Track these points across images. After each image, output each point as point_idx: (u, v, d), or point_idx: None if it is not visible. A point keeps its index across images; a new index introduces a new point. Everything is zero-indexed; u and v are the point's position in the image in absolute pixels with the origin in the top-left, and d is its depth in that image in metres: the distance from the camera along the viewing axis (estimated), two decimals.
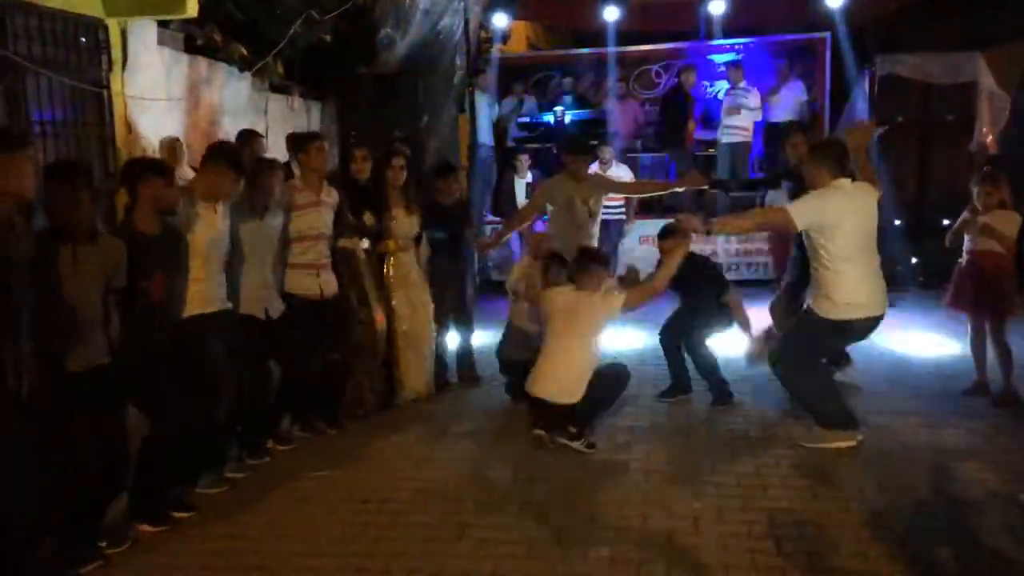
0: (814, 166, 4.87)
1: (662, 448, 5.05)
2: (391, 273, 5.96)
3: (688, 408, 5.83)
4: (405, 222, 5.96)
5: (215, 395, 4.44)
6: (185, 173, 6.26)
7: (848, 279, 4.76)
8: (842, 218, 4.71)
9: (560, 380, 5.07)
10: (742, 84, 11.12)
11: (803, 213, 4.78)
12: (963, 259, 5.83)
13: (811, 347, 5.03)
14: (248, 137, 6.52)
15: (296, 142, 5.43)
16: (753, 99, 11.12)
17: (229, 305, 4.61)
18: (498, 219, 10.66)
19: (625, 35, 12.34)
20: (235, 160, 4.54)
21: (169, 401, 4.12)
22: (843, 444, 4.88)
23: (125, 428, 3.94)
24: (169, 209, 4.18)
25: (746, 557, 3.70)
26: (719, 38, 12.29)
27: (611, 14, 11.82)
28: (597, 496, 4.38)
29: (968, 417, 5.39)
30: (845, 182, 4.79)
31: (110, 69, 6.51)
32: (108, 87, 6.51)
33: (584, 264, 5.30)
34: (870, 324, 4.88)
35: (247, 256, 4.80)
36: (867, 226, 4.82)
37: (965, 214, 5.79)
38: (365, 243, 5.77)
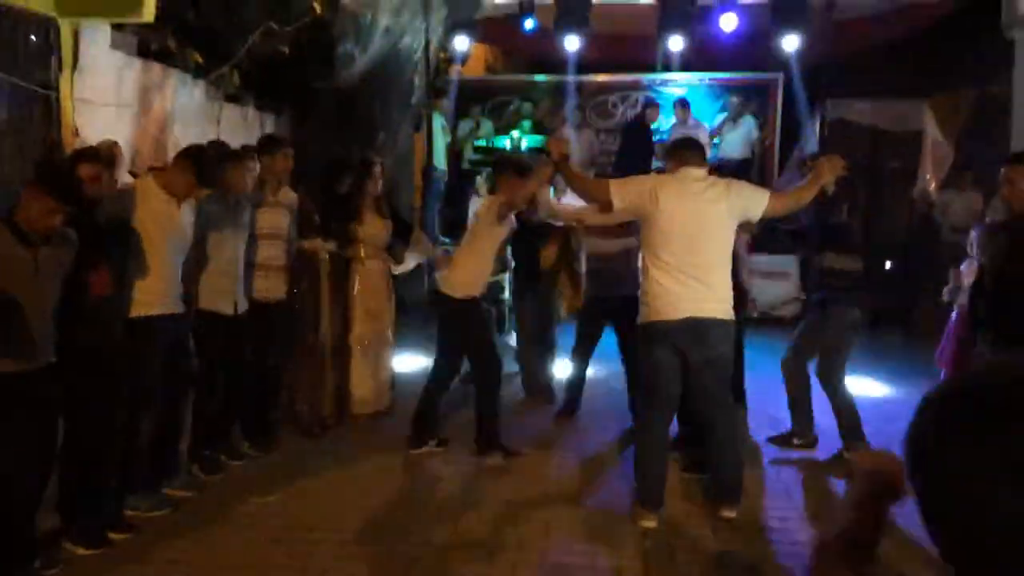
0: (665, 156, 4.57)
1: (614, 484, 5.01)
2: (357, 285, 5.89)
3: None
4: (380, 228, 5.91)
5: (145, 408, 4.30)
6: (124, 179, 6.08)
7: (651, 279, 4.28)
8: (657, 206, 4.22)
9: (448, 274, 5.43)
10: (689, 122, 11.31)
11: (622, 190, 4.34)
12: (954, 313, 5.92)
13: (644, 366, 4.46)
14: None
15: (266, 144, 5.42)
16: (703, 135, 11.29)
17: (182, 308, 4.50)
18: (448, 240, 10.60)
19: (583, 64, 12.43)
20: (198, 162, 4.50)
21: (96, 409, 3.98)
22: (641, 523, 4.38)
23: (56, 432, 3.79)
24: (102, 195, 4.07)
25: None
26: (675, 72, 12.46)
27: (571, 43, 11.88)
28: (548, 533, 4.32)
29: None
30: (691, 171, 4.33)
31: (60, 70, 6.30)
32: (56, 89, 6.29)
33: (498, 171, 5.48)
34: (673, 331, 4.23)
35: (220, 250, 4.74)
36: (697, 226, 4.24)
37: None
38: (330, 245, 5.67)
